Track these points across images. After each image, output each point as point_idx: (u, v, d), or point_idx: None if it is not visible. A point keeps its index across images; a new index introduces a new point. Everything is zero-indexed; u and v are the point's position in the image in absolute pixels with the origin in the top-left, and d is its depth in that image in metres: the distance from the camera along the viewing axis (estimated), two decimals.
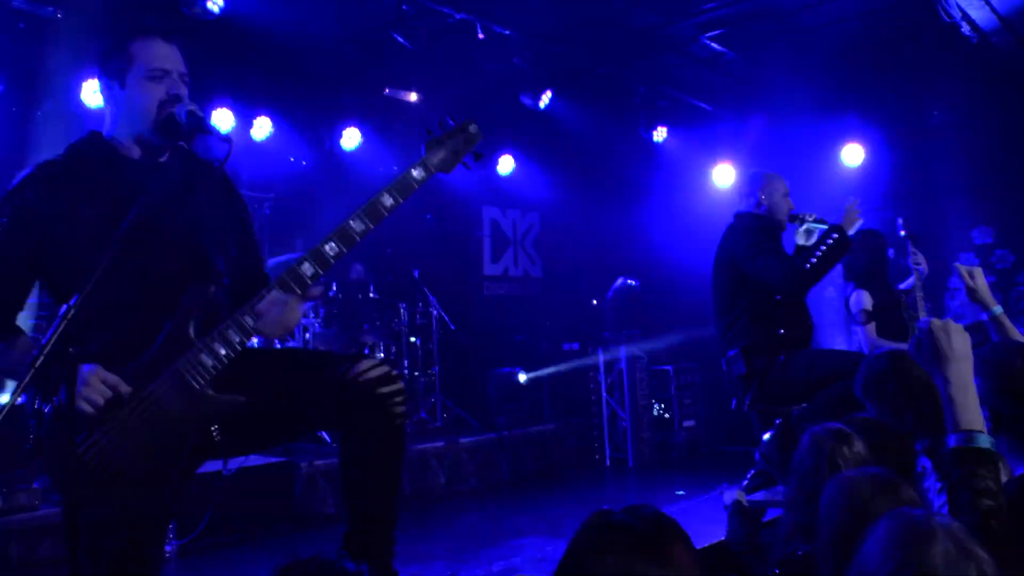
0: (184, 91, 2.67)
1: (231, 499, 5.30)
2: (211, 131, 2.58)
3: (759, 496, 4.11)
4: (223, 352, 2.49)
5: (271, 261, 6.73)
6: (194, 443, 2.51)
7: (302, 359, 2.68)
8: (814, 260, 4.24)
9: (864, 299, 5.64)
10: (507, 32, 6.74)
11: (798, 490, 2.52)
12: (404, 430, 2.67)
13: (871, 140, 8.23)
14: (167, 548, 4.96)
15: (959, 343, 2.06)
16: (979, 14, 6.26)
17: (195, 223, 2.63)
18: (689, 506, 6.23)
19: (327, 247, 2.59)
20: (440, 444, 6.79)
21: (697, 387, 9.04)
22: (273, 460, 5.71)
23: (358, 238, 2.63)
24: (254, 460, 5.58)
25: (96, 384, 2.35)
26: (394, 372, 2.63)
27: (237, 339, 2.51)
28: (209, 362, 2.48)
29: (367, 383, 2.56)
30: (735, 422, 8.97)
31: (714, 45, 7.32)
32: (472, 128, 2.76)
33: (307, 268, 2.58)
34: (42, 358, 2.13)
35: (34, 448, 2.42)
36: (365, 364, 2.61)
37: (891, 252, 5.77)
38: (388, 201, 2.67)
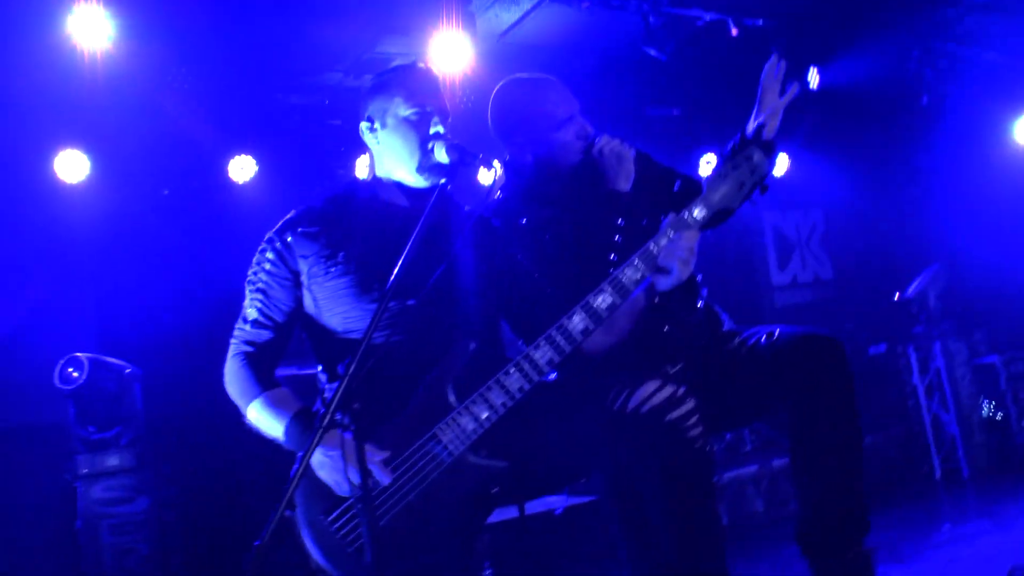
0: (445, 126, 2.59)
1: (552, 539, 5.30)
2: (474, 162, 2.45)
3: None
4: (485, 415, 2.33)
5: None
6: (461, 507, 2.38)
7: (574, 394, 2.45)
8: None
9: None
10: (760, 22, 6.31)
11: None
12: (705, 453, 2.31)
13: None
14: None
15: None
16: None
17: (455, 276, 2.53)
18: None
19: (599, 300, 2.38)
20: (753, 468, 6.52)
21: None
22: (586, 500, 5.62)
23: (632, 287, 2.40)
24: (571, 501, 5.55)
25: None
26: (680, 391, 2.30)
27: (500, 400, 2.33)
28: (470, 427, 2.33)
29: (651, 412, 2.24)
30: None
31: None
32: (756, 157, 2.43)
33: (578, 322, 2.38)
34: (328, 417, 2.05)
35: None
36: (646, 389, 2.28)
37: None
38: (663, 241, 2.42)
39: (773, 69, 2.81)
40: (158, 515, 4.85)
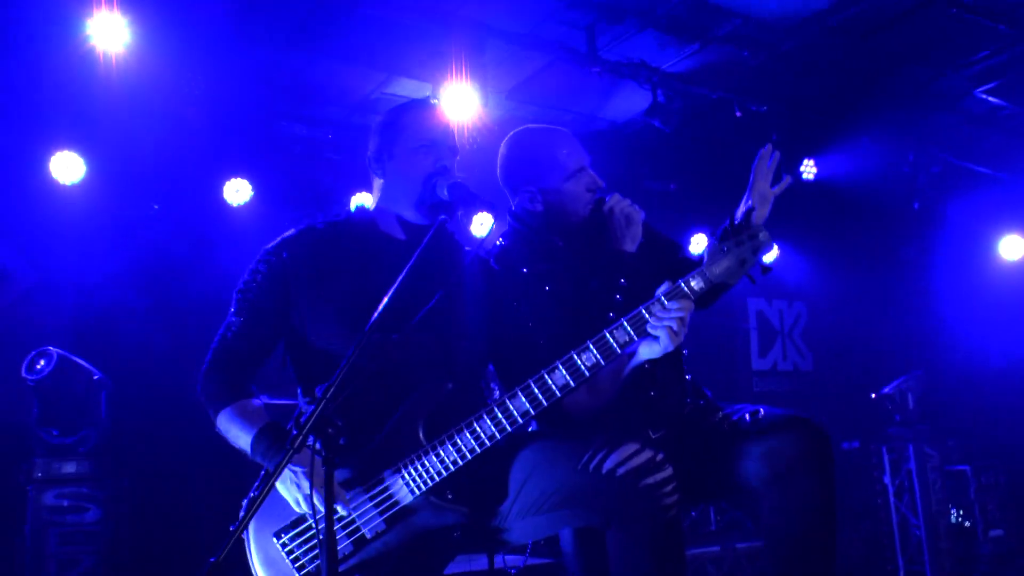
0: (452, 162, 2.60)
1: None
2: (477, 203, 2.46)
3: None
4: (452, 459, 2.29)
5: None
6: (419, 547, 2.34)
7: (549, 448, 2.41)
8: None
9: None
10: (764, 109, 6.42)
11: None
12: (678, 523, 2.28)
13: None
14: None
15: None
16: None
17: (444, 314, 2.48)
18: None
19: (583, 357, 2.35)
20: (715, 549, 6.34)
21: (1002, 489, 7.90)
22: (542, 561, 5.47)
23: (618, 350, 2.38)
24: (530, 560, 5.40)
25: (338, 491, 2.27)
26: (659, 457, 2.27)
27: (470, 446, 2.29)
28: (435, 468, 2.30)
29: (628, 475, 2.22)
30: None
31: (990, 99, 6.62)
32: (762, 235, 2.41)
33: (558, 377, 2.35)
34: (301, 439, 2.00)
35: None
36: (624, 451, 2.25)
37: None
38: (656, 308, 2.41)
39: (767, 158, 2.82)
40: (109, 528, 4.71)
